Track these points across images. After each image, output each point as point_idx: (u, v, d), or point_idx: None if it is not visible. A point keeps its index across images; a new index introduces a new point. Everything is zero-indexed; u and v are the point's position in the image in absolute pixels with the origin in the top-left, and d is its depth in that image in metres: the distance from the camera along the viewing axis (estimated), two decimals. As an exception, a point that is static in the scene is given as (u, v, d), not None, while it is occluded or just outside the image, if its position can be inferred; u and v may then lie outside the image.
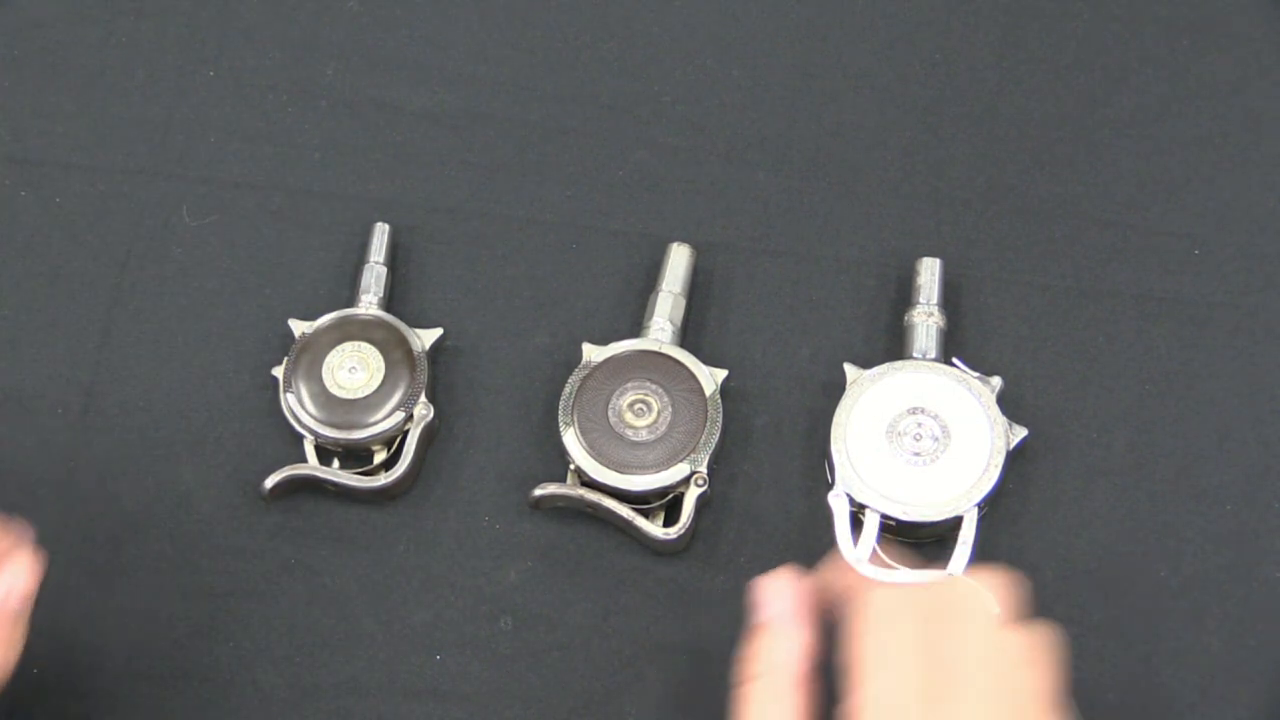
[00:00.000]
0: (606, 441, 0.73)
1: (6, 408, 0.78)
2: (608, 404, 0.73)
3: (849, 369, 0.74)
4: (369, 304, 0.77)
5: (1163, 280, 0.78)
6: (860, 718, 0.57)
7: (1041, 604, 0.68)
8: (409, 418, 0.74)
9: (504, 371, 0.78)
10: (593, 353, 0.75)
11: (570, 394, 0.74)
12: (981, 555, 0.71)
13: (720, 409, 0.73)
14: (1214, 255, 0.79)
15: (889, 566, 0.70)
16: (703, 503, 0.72)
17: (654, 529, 0.72)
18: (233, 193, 0.83)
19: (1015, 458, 0.72)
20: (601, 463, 0.72)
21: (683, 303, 0.77)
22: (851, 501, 0.71)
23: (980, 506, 0.70)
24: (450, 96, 0.84)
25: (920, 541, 0.72)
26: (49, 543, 0.65)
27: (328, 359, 0.75)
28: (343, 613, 0.74)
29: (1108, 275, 0.78)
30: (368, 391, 0.74)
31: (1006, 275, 0.79)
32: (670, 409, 0.73)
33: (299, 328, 0.77)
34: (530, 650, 0.73)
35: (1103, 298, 0.78)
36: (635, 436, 0.73)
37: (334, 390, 0.74)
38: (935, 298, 0.75)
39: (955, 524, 0.70)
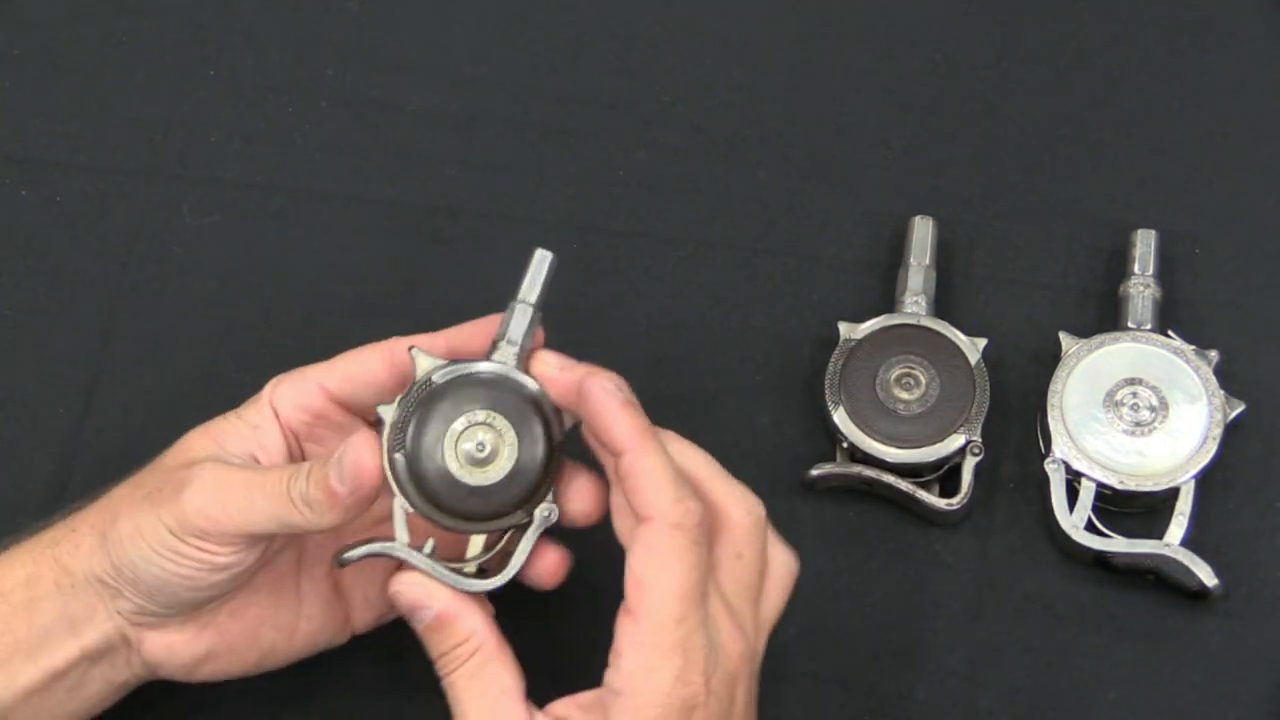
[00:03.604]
0: (878, 417, 0.74)
1: (6, 408, 0.78)
2: (874, 380, 0.74)
3: (1064, 338, 0.75)
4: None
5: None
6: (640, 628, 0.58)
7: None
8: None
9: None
10: (851, 331, 0.76)
11: (835, 373, 0.74)
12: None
13: (986, 377, 0.74)
14: (1214, 255, 0.79)
15: (1105, 535, 0.71)
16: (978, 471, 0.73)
17: (938, 501, 0.73)
18: (233, 193, 0.83)
19: (1229, 432, 0.73)
20: (877, 439, 0.73)
21: (933, 274, 0.77)
22: (1068, 469, 0.72)
23: (1197, 478, 0.72)
24: (450, 96, 0.84)
25: (1133, 512, 0.73)
26: (71, 511, 0.66)
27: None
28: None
29: (1110, 274, 0.79)
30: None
31: (1005, 274, 0.79)
32: (938, 380, 0.74)
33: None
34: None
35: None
36: (906, 410, 0.73)
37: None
38: (1151, 269, 0.76)
39: (1170, 495, 0.72)
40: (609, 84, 0.85)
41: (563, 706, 0.60)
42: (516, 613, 0.64)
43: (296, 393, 0.66)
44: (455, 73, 0.85)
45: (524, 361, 0.64)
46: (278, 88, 0.85)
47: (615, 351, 0.78)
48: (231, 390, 0.78)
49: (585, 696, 0.59)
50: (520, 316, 0.64)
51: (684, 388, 0.78)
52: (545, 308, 0.64)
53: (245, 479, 0.62)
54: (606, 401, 0.60)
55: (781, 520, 0.74)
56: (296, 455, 0.66)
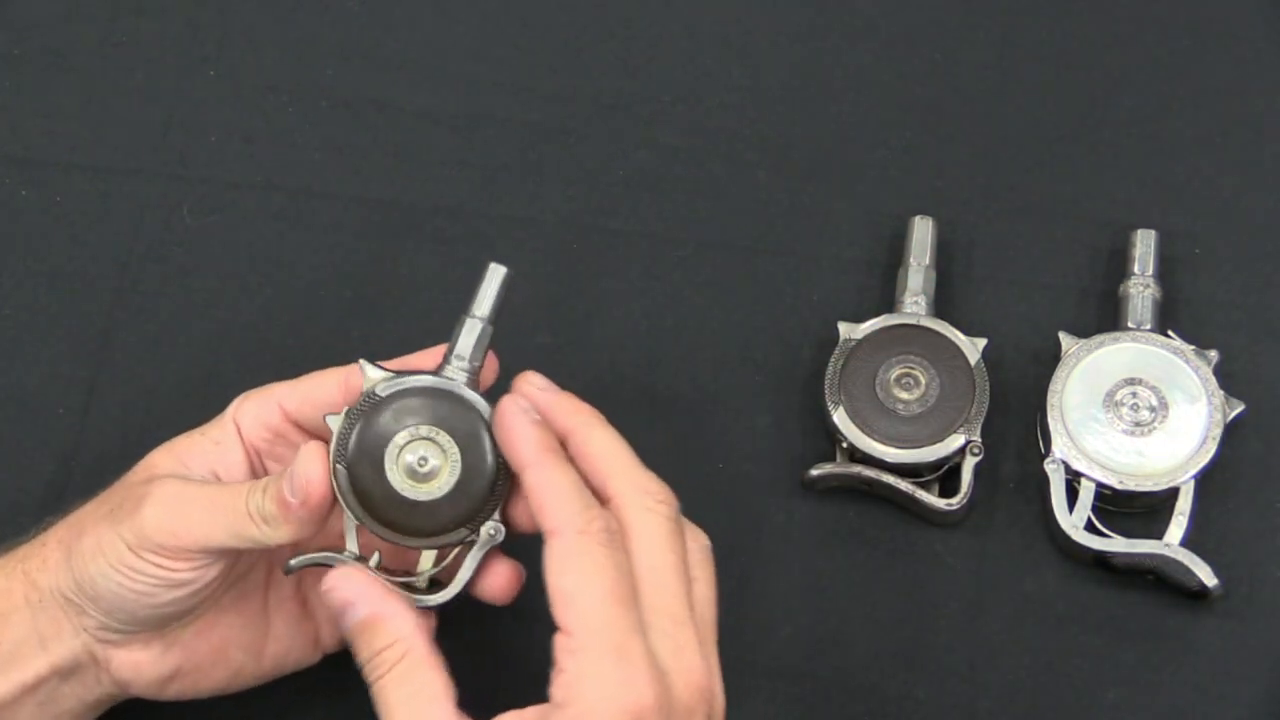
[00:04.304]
0: (878, 417, 0.74)
1: (7, 407, 0.78)
2: (874, 380, 0.74)
3: (1064, 338, 0.75)
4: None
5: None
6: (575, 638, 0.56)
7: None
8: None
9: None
10: (851, 331, 0.76)
11: (835, 373, 0.75)
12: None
13: (986, 377, 0.74)
14: (1214, 255, 0.79)
15: (1105, 535, 0.71)
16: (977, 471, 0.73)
17: (938, 501, 0.73)
18: (233, 193, 0.83)
19: (1229, 432, 0.73)
20: (877, 439, 0.73)
21: (933, 275, 0.77)
22: (1067, 469, 0.72)
23: (1196, 478, 0.72)
24: (450, 96, 0.84)
25: (1133, 512, 0.73)
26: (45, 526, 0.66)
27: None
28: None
29: (1110, 274, 0.79)
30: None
31: (1005, 274, 0.79)
32: (938, 380, 0.74)
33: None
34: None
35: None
36: (905, 410, 0.73)
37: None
38: (1151, 269, 0.76)
39: (1170, 495, 0.72)
40: (609, 84, 0.85)
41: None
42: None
43: (259, 410, 0.66)
44: (455, 73, 0.85)
45: (474, 377, 0.63)
46: (278, 88, 0.85)
47: (615, 351, 0.78)
48: (231, 390, 0.78)
49: (529, 711, 0.57)
50: (470, 331, 0.63)
51: (684, 388, 0.78)
52: (512, 316, 0.64)
53: (204, 494, 0.62)
54: (515, 418, 0.60)
55: (781, 520, 0.75)
56: (260, 472, 0.66)
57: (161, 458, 0.66)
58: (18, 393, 0.79)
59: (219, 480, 0.65)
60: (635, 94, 0.84)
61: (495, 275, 0.64)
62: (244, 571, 0.67)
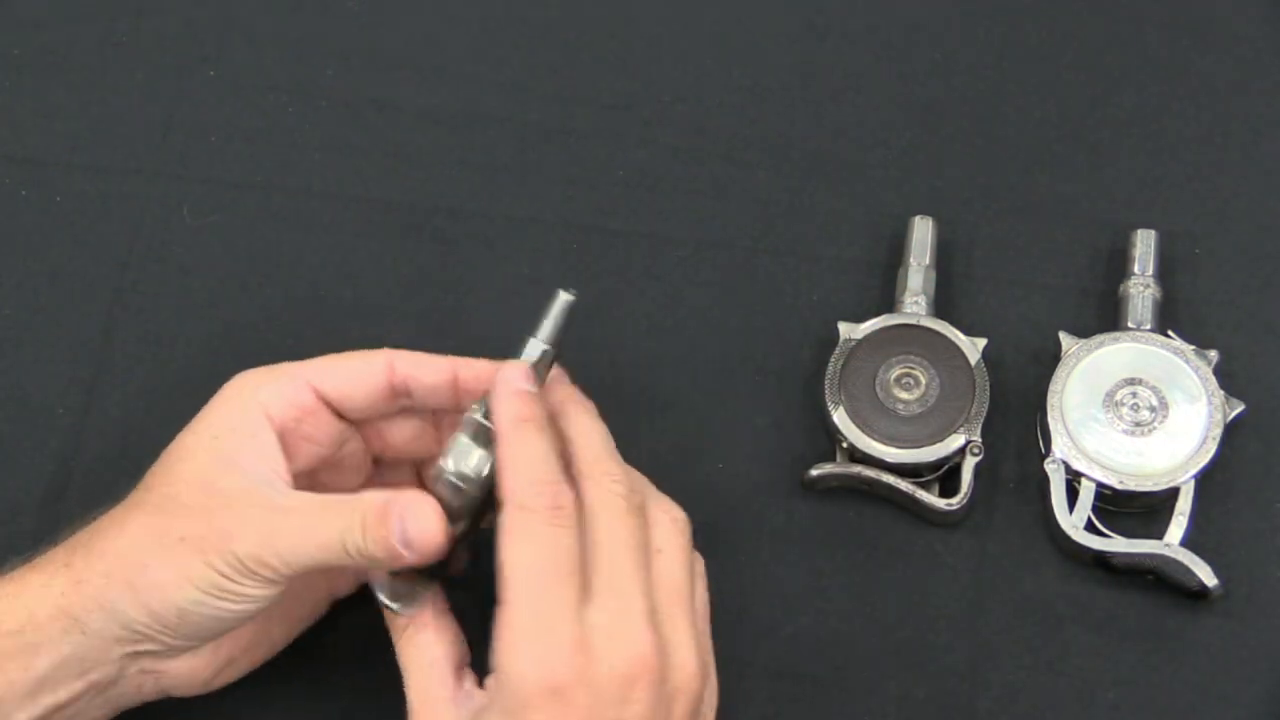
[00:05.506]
0: (878, 417, 0.74)
1: (7, 407, 0.78)
2: (874, 380, 0.74)
3: (1064, 338, 0.75)
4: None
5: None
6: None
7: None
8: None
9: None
10: (851, 331, 0.76)
11: (835, 373, 0.75)
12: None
13: (986, 377, 0.74)
14: (1214, 255, 0.79)
15: (1105, 535, 0.71)
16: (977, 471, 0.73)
17: (938, 501, 0.73)
18: (233, 193, 0.83)
19: (1229, 432, 0.73)
20: (877, 439, 0.73)
21: (933, 274, 0.77)
22: (1067, 469, 0.72)
23: (1196, 478, 0.72)
24: (450, 96, 0.84)
25: (1133, 512, 0.73)
26: (49, 543, 0.65)
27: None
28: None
29: (1110, 274, 0.79)
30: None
31: (1005, 274, 0.79)
32: (938, 380, 0.74)
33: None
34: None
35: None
36: (905, 410, 0.73)
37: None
38: (1151, 269, 0.76)
39: (1170, 495, 0.72)
40: (609, 84, 0.85)
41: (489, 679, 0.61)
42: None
43: (288, 392, 0.65)
44: (455, 73, 0.85)
45: None
46: (278, 88, 0.85)
47: (615, 351, 0.78)
48: (231, 390, 0.78)
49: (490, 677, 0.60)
50: (529, 352, 0.65)
51: (684, 388, 0.78)
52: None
53: (295, 526, 0.61)
54: (505, 385, 0.62)
55: (781, 520, 0.75)
56: (290, 450, 0.65)
57: (207, 460, 0.64)
58: (18, 393, 0.79)
59: (283, 482, 0.64)
60: (635, 94, 0.84)
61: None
62: None
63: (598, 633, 0.58)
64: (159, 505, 0.63)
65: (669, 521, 0.63)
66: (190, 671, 0.64)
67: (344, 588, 0.69)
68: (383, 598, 0.64)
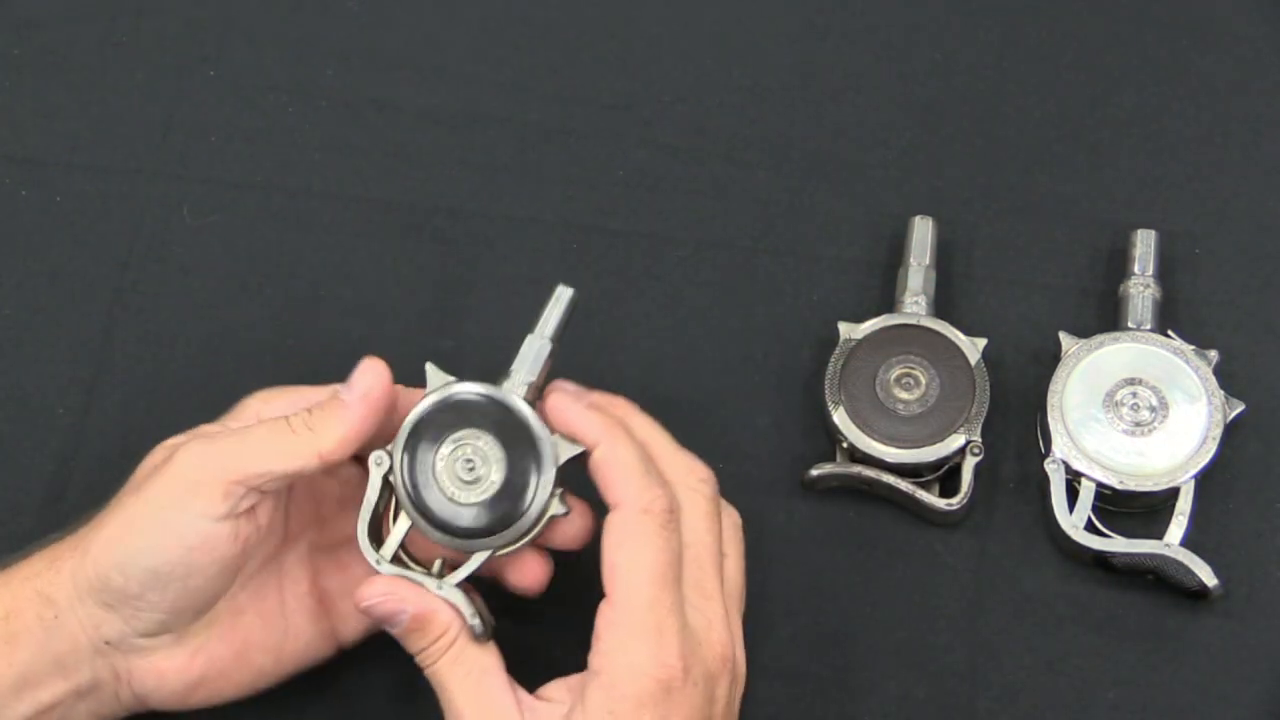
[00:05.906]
0: (878, 417, 0.74)
1: (7, 407, 0.78)
2: (874, 380, 0.74)
3: (1064, 338, 0.75)
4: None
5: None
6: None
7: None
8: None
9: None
10: (851, 331, 0.76)
11: (835, 373, 0.75)
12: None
13: (986, 377, 0.74)
14: (1214, 255, 0.79)
15: (1105, 535, 0.71)
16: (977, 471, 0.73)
17: (938, 501, 0.73)
18: (233, 193, 0.83)
19: (1229, 432, 0.73)
20: (877, 439, 0.73)
21: (933, 274, 0.77)
22: (1067, 469, 0.72)
23: (1196, 478, 0.72)
24: (450, 96, 0.84)
25: (1133, 512, 0.73)
26: (48, 543, 0.66)
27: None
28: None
29: (1110, 274, 0.79)
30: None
31: (1005, 274, 0.79)
32: (938, 380, 0.74)
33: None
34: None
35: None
36: (905, 410, 0.73)
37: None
38: (1151, 269, 0.76)
39: (1170, 495, 0.72)
40: (609, 84, 0.85)
41: (551, 688, 0.62)
42: (516, 609, 0.65)
43: (285, 408, 0.66)
44: (455, 73, 0.85)
45: (535, 392, 0.66)
46: (278, 88, 0.85)
47: (615, 351, 0.78)
48: (231, 390, 0.78)
49: (572, 679, 0.62)
50: (529, 347, 0.66)
51: (684, 387, 0.78)
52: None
53: (255, 436, 0.64)
54: (570, 405, 0.64)
55: (781, 520, 0.75)
56: None
57: (200, 445, 0.65)
58: (18, 393, 0.79)
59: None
60: (635, 94, 0.84)
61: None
62: (256, 571, 0.67)
63: (696, 633, 0.61)
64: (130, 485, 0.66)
65: (731, 526, 0.66)
66: (159, 675, 0.64)
67: (351, 631, 0.68)
68: (474, 624, 0.63)
